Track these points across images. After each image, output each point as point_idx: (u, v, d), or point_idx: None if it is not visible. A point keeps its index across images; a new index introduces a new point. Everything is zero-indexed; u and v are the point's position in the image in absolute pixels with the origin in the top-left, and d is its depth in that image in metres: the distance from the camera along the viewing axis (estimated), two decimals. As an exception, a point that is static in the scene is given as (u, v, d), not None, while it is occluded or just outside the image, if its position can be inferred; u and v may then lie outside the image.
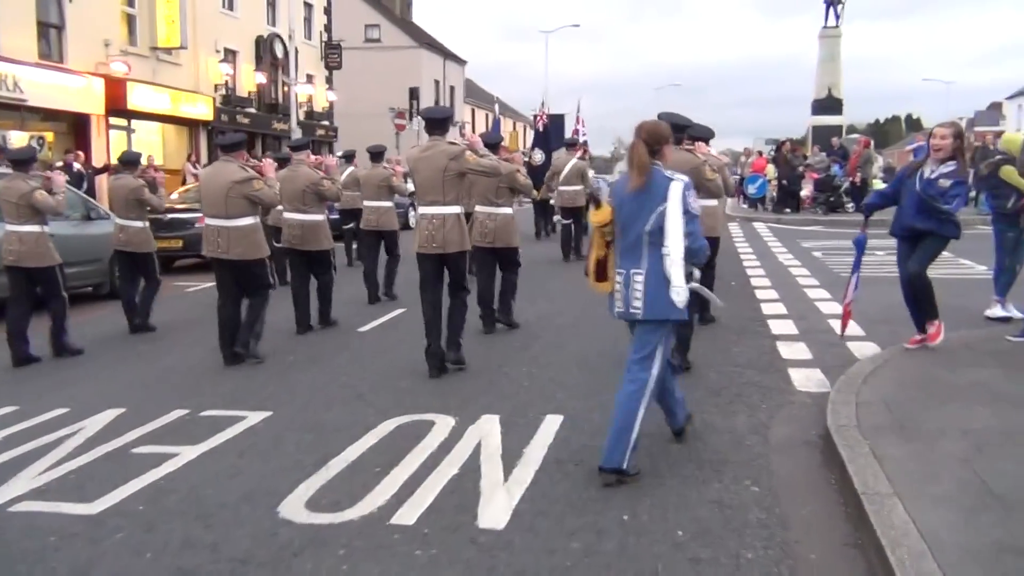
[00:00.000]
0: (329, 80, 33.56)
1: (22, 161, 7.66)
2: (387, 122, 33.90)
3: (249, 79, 27.22)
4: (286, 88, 28.23)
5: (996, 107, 75.86)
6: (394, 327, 8.82)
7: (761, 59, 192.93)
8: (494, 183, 7.66)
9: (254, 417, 5.65)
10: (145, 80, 21.62)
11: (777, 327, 8.31)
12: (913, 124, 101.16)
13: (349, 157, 13.60)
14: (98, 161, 18.88)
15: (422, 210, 6.49)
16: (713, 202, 7.14)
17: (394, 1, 47.76)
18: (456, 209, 6.47)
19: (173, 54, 23.27)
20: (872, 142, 24.32)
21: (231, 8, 26.60)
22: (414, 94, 43.40)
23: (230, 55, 26.16)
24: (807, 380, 6.32)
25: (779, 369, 6.63)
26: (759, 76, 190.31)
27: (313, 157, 9.34)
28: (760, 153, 30.07)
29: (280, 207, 8.34)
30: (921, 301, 6.54)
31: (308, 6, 32.05)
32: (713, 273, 7.10)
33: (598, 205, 4.49)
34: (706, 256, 4.35)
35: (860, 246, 6.90)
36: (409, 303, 9.86)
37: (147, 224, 8.93)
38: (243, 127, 26.89)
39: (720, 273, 8.75)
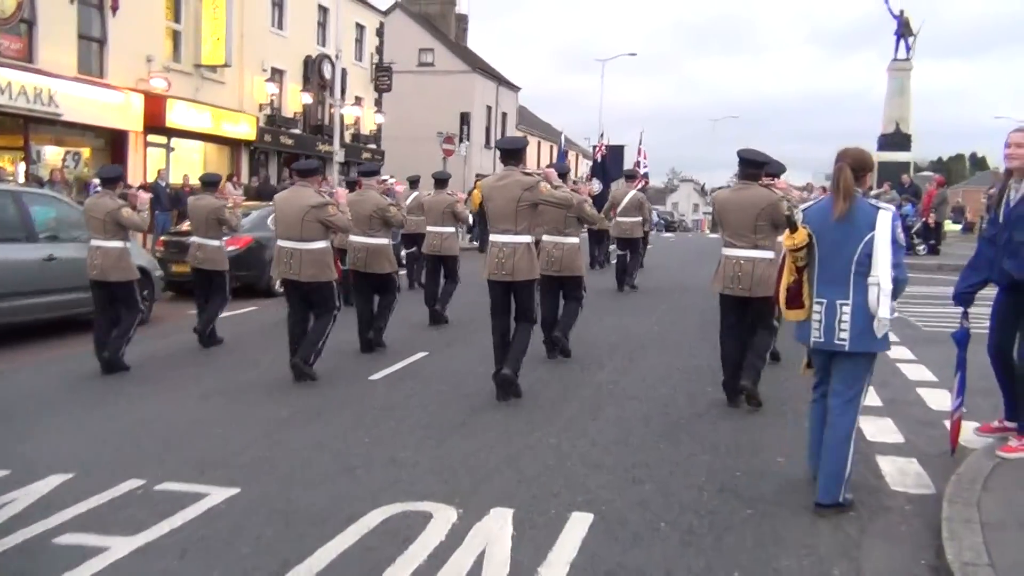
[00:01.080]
0: (378, 103, 33.01)
1: (110, 179, 8.02)
2: (436, 147, 33.16)
3: (295, 99, 26.71)
4: (332, 109, 27.67)
5: (1068, 147, 72.77)
6: (410, 376, 7.75)
7: (822, 94, 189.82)
8: (563, 213, 7.74)
9: (217, 495, 4.62)
10: (186, 97, 21.14)
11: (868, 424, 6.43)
12: (978, 163, 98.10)
13: (414, 182, 13.80)
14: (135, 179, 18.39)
15: (493, 238, 6.64)
16: None
17: (449, 26, 47.38)
18: (527, 238, 6.56)
19: (218, 72, 22.82)
20: (945, 181, 22.69)
21: (280, 27, 26.17)
22: (465, 119, 42.71)
23: (277, 74, 25.67)
24: (902, 475, 5.08)
25: (865, 455, 5.34)
26: (819, 110, 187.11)
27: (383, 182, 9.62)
28: (824, 189, 28.45)
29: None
30: (1019, 394, 5.17)
31: (360, 28, 31.59)
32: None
33: (794, 228, 4.35)
34: (904, 288, 4.31)
35: (962, 343, 5.32)
36: (432, 346, 9.05)
37: (223, 243, 9.32)
38: (286, 148, 26.41)
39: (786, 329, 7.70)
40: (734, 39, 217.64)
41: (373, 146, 32.27)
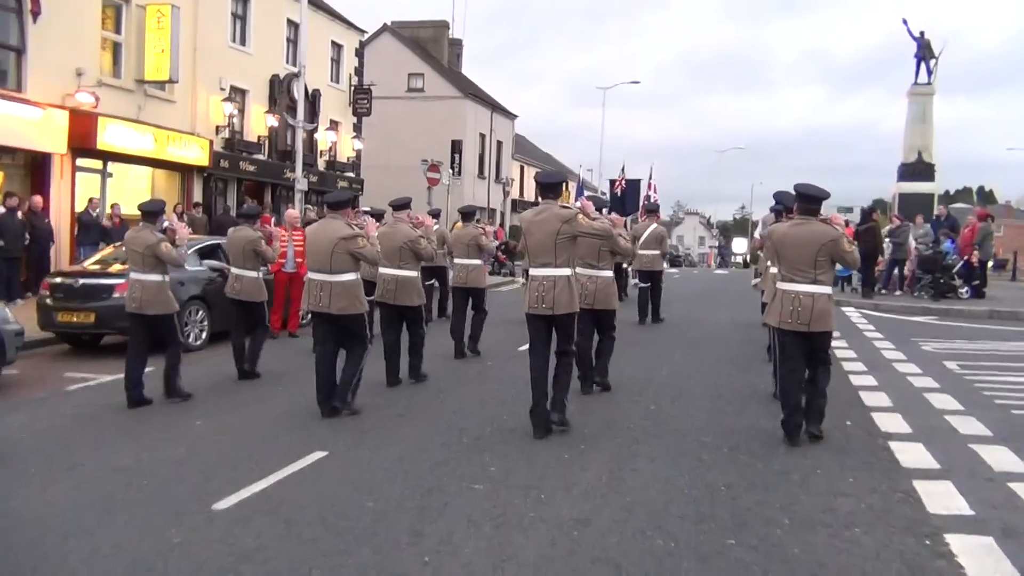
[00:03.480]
0: (357, 128, 30.53)
1: (151, 213, 8.06)
2: (421, 176, 30.69)
3: (259, 122, 24.26)
4: (305, 134, 25.24)
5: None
6: (313, 474, 5.14)
7: (829, 129, 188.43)
8: (596, 246, 7.74)
9: None
10: (123, 116, 18.64)
11: (930, 493, 5.27)
12: (986, 196, 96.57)
13: (435, 215, 13.98)
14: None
15: (533, 272, 6.68)
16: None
17: (442, 50, 45.21)
18: (567, 271, 6.59)
19: (166, 89, 20.37)
20: (992, 216, 20.02)
21: (243, 42, 23.77)
22: (456, 147, 40.38)
23: (237, 94, 23.23)
24: None
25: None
26: (826, 144, 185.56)
27: (413, 216, 9.37)
28: (847, 223, 25.91)
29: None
30: None
31: (337, 47, 29.22)
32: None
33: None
34: None
35: None
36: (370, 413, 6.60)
37: (261, 275, 9.43)
38: (248, 175, 23.92)
39: (829, 395, 6.83)
40: (741, 76, 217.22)
41: (351, 174, 29.76)
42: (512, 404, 7.85)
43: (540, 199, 6.80)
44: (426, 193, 28.83)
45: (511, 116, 48.71)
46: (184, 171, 21.42)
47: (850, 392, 8.37)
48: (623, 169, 25.41)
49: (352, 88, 29.96)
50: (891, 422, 7.10)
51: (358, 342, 7.49)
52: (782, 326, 6.42)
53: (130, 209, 18.57)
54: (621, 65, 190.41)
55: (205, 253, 12.36)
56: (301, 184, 20.09)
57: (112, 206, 17.06)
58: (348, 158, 29.96)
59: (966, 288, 17.02)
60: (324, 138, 27.70)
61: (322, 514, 4.94)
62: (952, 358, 10.42)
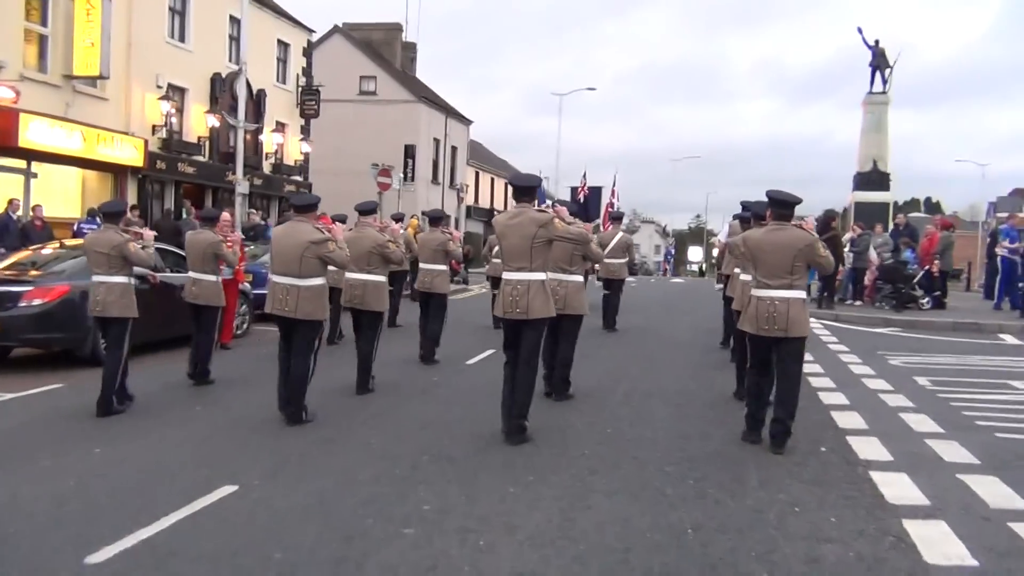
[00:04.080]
0: (305, 130, 29.52)
1: (114, 214, 7.94)
2: (373, 181, 29.78)
3: (200, 122, 23.18)
4: (249, 136, 24.20)
5: (1020, 193, 71.75)
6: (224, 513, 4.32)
7: (783, 140, 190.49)
8: (569, 250, 7.69)
9: None
10: (48, 113, 17.49)
11: (924, 538, 4.62)
12: (932, 207, 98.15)
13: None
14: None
15: (507, 276, 6.60)
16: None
17: (395, 53, 44.28)
18: (541, 276, 6.54)
19: (98, 86, 19.26)
20: (953, 225, 19.75)
21: (181, 39, 22.68)
22: (410, 152, 39.52)
23: (175, 92, 22.15)
24: None
25: None
26: (780, 155, 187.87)
27: (378, 221, 9.47)
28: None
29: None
30: None
31: (283, 45, 28.20)
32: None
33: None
34: None
35: None
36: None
37: (219, 279, 9.29)
38: (186, 177, 22.83)
39: (800, 417, 6.63)
40: (697, 86, 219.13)
41: (298, 178, 28.74)
42: (455, 427, 7.09)
43: (515, 202, 6.71)
44: (377, 198, 27.96)
45: (466, 121, 47.94)
46: (117, 172, 20.27)
47: (822, 412, 7.75)
48: (584, 176, 25.40)
49: (300, 89, 28.96)
50: (869, 448, 6.48)
51: (308, 346, 7.31)
52: (760, 333, 6.36)
53: (55, 211, 17.54)
54: (579, 75, 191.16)
55: (128, 259, 11.40)
56: (242, 187, 19.10)
57: (34, 208, 15.89)
58: (296, 161, 28.95)
59: (927, 299, 16.66)
60: (269, 140, 26.68)
61: (217, 570, 4.13)
62: (922, 373, 9.91)
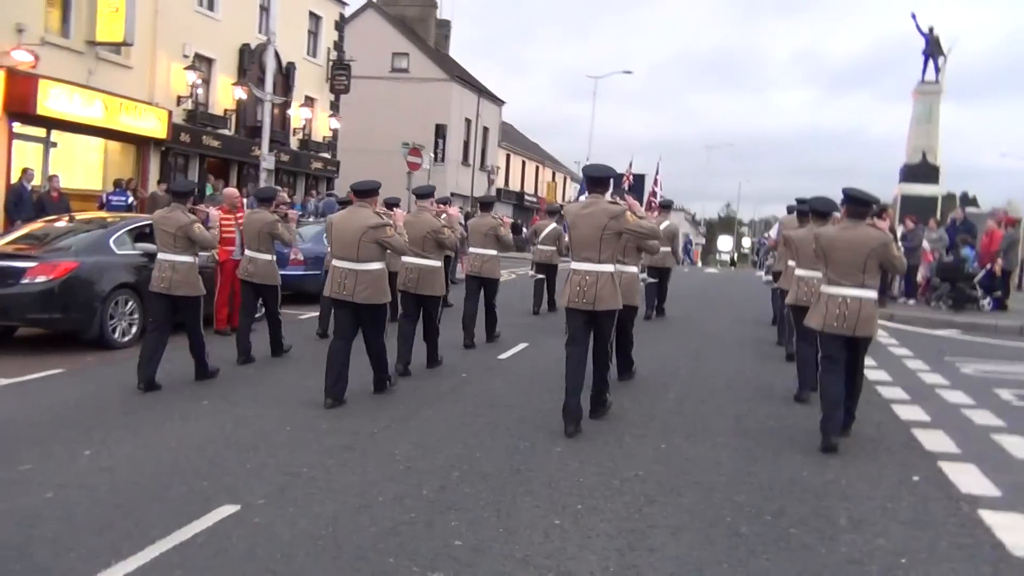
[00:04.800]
0: (335, 106, 28.77)
1: (182, 193, 8.06)
2: (402, 160, 29.00)
3: (226, 94, 22.49)
4: (276, 110, 23.51)
5: (1065, 188, 69.78)
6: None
7: (818, 130, 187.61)
8: (625, 241, 7.22)
9: None
10: (70, 80, 16.86)
11: None
12: (970, 202, 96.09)
13: (552, 212, 14.75)
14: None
15: (575, 266, 6.55)
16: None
17: (428, 30, 43.38)
18: (610, 268, 6.48)
19: (122, 53, 18.60)
20: (1018, 221, 18.59)
21: (210, 7, 21.99)
22: (440, 131, 38.84)
23: (202, 62, 21.48)
24: None
25: None
26: (815, 146, 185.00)
27: (437, 206, 9.57)
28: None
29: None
30: None
31: (315, 18, 27.44)
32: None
33: None
34: None
35: None
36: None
37: (274, 258, 9.24)
38: (212, 150, 22.19)
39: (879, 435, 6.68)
40: (734, 74, 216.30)
41: (326, 155, 28.02)
42: (488, 435, 6.30)
43: (587, 192, 6.69)
44: (405, 178, 27.20)
45: (499, 102, 47.00)
46: (139, 143, 19.65)
47: (901, 430, 6.87)
48: (631, 164, 24.73)
49: (330, 63, 28.20)
50: (968, 478, 5.59)
51: (376, 332, 7.41)
52: (826, 329, 6.31)
53: (76, 182, 16.95)
54: (614, 61, 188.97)
55: (139, 235, 10.70)
56: (267, 162, 18.48)
57: (50, 178, 15.30)
58: (324, 137, 28.24)
59: (988, 299, 15.60)
60: (298, 115, 25.95)
61: (202, 626, 3.36)
62: (1001, 384, 8.96)
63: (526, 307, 14.07)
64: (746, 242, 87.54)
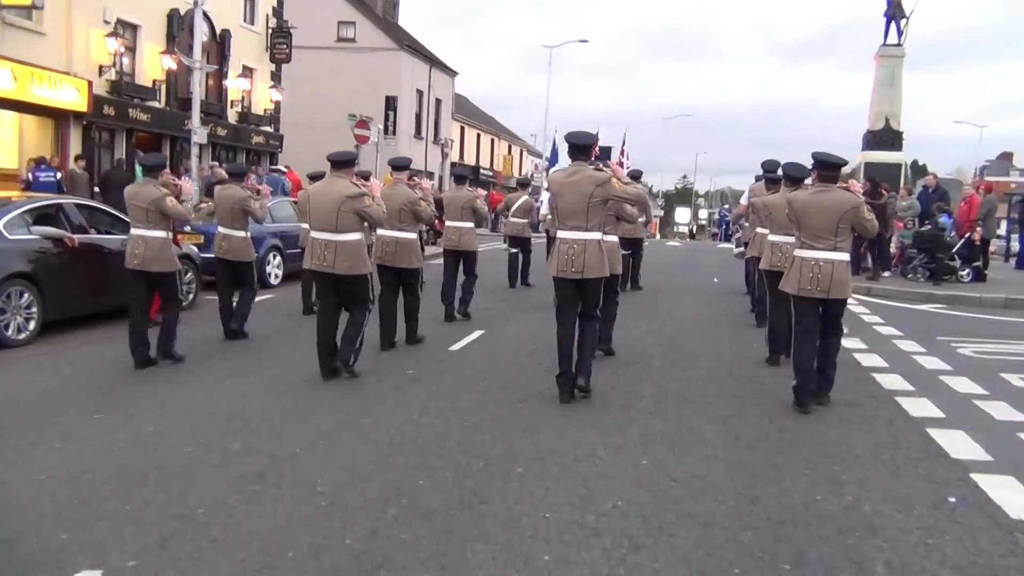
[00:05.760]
0: (276, 76, 27.18)
1: (152, 167, 7.92)
2: (350, 134, 27.56)
3: (154, 64, 20.86)
4: (211, 80, 21.95)
5: (1007, 157, 70.24)
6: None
7: (774, 103, 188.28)
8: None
9: None
10: (-29, 47, 15.25)
11: None
12: (919, 170, 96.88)
13: (524, 184, 15.27)
14: None
15: (562, 234, 6.51)
16: None
17: (376, -1, 41.65)
18: (597, 235, 6.46)
19: (33, 18, 16.96)
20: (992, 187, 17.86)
21: (133, -32, 20.30)
22: (391, 104, 37.28)
23: (127, 29, 19.83)
24: None
25: None
26: (769, 119, 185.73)
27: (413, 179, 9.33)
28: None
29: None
30: None
31: (252, -18, 25.81)
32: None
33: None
34: None
35: None
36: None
37: (249, 235, 9.20)
38: (140, 124, 20.59)
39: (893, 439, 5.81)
40: (691, 47, 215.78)
41: (269, 128, 26.48)
42: (434, 453, 5.21)
43: (571, 160, 6.62)
44: (355, 152, 25.79)
45: (451, 73, 45.49)
46: (58, 117, 18.04)
47: (916, 430, 5.92)
48: (597, 135, 23.68)
49: (269, 31, 26.57)
50: (1013, 495, 4.64)
51: (361, 304, 7.34)
52: (801, 293, 6.40)
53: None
54: (572, 34, 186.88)
55: (39, 217, 9.38)
56: (199, 136, 17.07)
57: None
58: (265, 110, 26.67)
59: (967, 270, 14.87)
60: (235, 86, 24.37)
61: None
62: (1006, 368, 8.10)
63: (492, 285, 13.04)
64: (703, 214, 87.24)
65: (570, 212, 6.40)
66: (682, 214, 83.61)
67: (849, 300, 12.13)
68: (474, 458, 5.17)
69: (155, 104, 21.05)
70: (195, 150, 16.67)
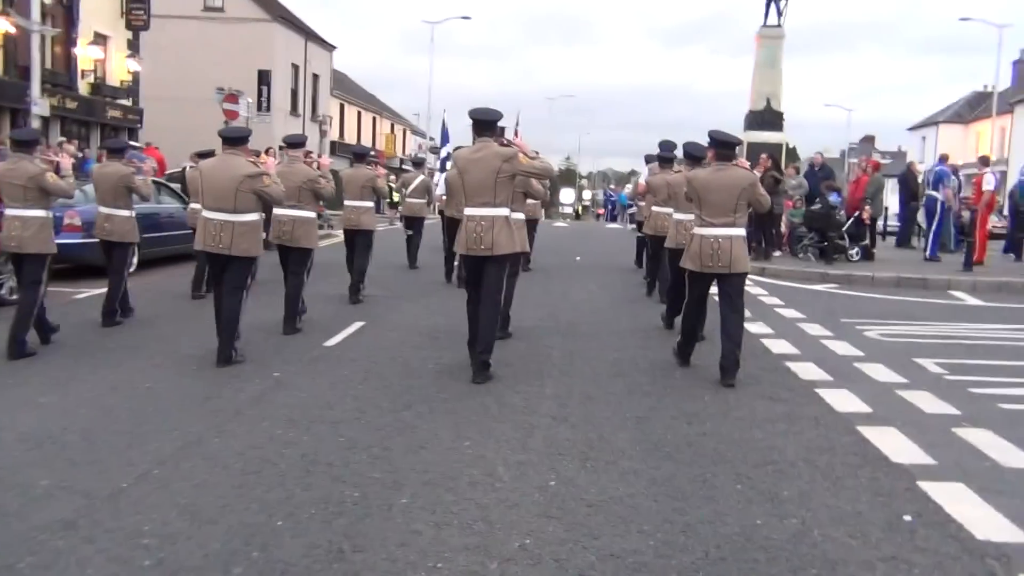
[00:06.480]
0: (133, 45, 25.01)
1: (26, 142, 7.59)
2: (219, 108, 25.68)
3: (-12, 27, 18.62)
4: (58, 48, 19.83)
5: (869, 140, 73.85)
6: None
7: (653, 86, 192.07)
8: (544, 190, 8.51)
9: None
10: None
11: None
12: (789, 153, 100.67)
13: (419, 164, 15.29)
14: None
15: (469, 211, 6.44)
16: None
17: (246, -34, 39.26)
18: (505, 211, 6.44)
19: None
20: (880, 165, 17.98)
21: (-41, -82, 18.00)
22: (264, 78, 35.25)
23: (-48, -14, 17.56)
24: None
25: None
26: (648, 101, 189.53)
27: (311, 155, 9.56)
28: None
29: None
30: None
31: (103, -59, 23.54)
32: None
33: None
34: None
35: None
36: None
37: (133, 214, 8.81)
38: (-28, 95, 18.37)
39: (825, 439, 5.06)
40: (573, 29, 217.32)
41: (126, 101, 24.36)
42: (297, 483, 4.26)
43: (475, 136, 6.55)
44: (222, 127, 24.02)
45: (329, 47, 43.53)
46: None
47: (846, 429, 5.33)
48: (500, 113, 22.83)
49: (125, -5, 24.38)
50: (968, 510, 4.06)
51: (240, 283, 6.98)
52: (703, 270, 6.55)
53: None
54: (454, 13, 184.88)
55: None
56: (40, 107, 15.32)
57: None
58: (122, 82, 24.51)
59: (856, 249, 14.80)
60: (86, 54, 22.19)
61: None
62: (917, 352, 7.73)
63: (374, 270, 12.06)
64: (586, 194, 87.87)
65: (477, 189, 6.36)
66: (567, 195, 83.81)
67: (746, 281, 12.18)
68: (348, 487, 4.24)
69: (-11, 72, 18.83)
70: (35, 123, 14.81)
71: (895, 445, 5.02)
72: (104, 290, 8.69)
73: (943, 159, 16.80)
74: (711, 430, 5.28)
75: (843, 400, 6.02)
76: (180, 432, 5.06)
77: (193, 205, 9.08)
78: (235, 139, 7.13)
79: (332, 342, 7.80)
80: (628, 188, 49.40)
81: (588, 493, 4.21)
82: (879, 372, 6.90)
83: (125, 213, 8.66)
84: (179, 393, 5.96)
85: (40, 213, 7.27)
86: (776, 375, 6.78)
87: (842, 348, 7.86)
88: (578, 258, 16.58)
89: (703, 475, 4.49)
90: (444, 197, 11.83)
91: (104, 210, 8.67)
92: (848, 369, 7.02)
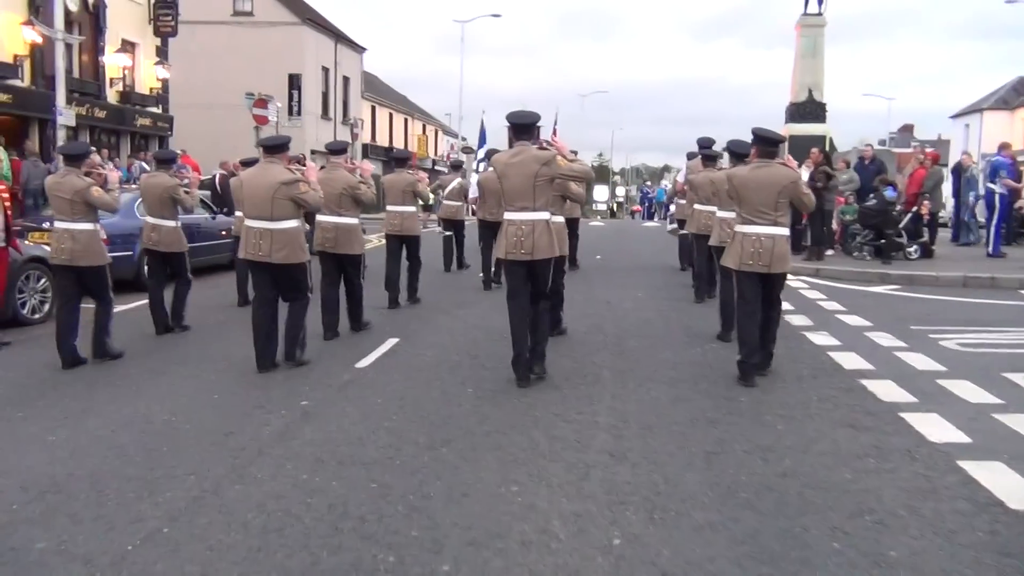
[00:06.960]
0: (162, 51, 24.79)
1: (75, 156, 7.53)
2: (249, 115, 25.41)
3: (15, 38, 18.43)
4: (85, 56, 19.60)
5: (908, 129, 71.92)
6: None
7: (686, 80, 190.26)
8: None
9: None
10: None
11: None
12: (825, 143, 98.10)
13: (456, 167, 15.03)
14: None
15: (509, 216, 6.41)
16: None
17: (274, -30, 39.06)
18: (545, 215, 6.37)
19: None
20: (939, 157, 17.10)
21: (-16, -73, 17.83)
22: (295, 82, 35.16)
23: (-22, -3, 17.39)
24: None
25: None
26: (682, 96, 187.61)
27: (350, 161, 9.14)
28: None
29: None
30: None
31: (130, -53, 23.33)
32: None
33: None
34: None
35: None
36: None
37: (179, 224, 8.87)
38: (1, 106, 18.19)
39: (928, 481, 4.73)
40: (605, 24, 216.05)
41: (156, 109, 24.12)
42: (322, 541, 3.71)
43: (513, 140, 6.48)
44: (253, 134, 23.72)
45: (359, 49, 43.23)
46: None
47: (950, 468, 4.66)
48: (539, 115, 22.46)
49: (152, 2, 24.14)
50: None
51: (299, 293, 7.15)
52: (742, 268, 6.47)
53: None
54: (485, 11, 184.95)
55: None
56: (65, 117, 15.00)
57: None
58: (152, 90, 24.28)
59: (915, 247, 13.99)
60: (114, 63, 21.98)
61: None
62: (1006, 366, 6.99)
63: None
64: (620, 191, 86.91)
65: (517, 193, 6.31)
66: (600, 192, 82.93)
67: (800, 284, 11.85)
68: (382, 548, 3.69)
69: (18, 83, 18.61)
70: (61, 133, 14.52)
71: (1008, 485, 4.35)
72: (123, 308, 8.35)
73: (1002, 148, 15.86)
74: (791, 469, 4.65)
75: (935, 427, 5.35)
76: (197, 477, 4.55)
77: (238, 214, 9.13)
78: (274, 147, 7.14)
79: (364, 363, 7.27)
80: (665, 183, 48.52)
81: (660, 556, 3.61)
82: (968, 391, 6.20)
83: (171, 223, 8.74)
84: (199, 427, 5.46)
85: (88, 226, 7.34)
86: (853, 396, 6.11)
87: (920, 362, 7.16)
88: (599, 257, 16.04)
89: (791, 529, 3.87)
90: (477, 198, 11.44)
91: (151, 220, 8.78)
92: (932, 388, 6.33)
